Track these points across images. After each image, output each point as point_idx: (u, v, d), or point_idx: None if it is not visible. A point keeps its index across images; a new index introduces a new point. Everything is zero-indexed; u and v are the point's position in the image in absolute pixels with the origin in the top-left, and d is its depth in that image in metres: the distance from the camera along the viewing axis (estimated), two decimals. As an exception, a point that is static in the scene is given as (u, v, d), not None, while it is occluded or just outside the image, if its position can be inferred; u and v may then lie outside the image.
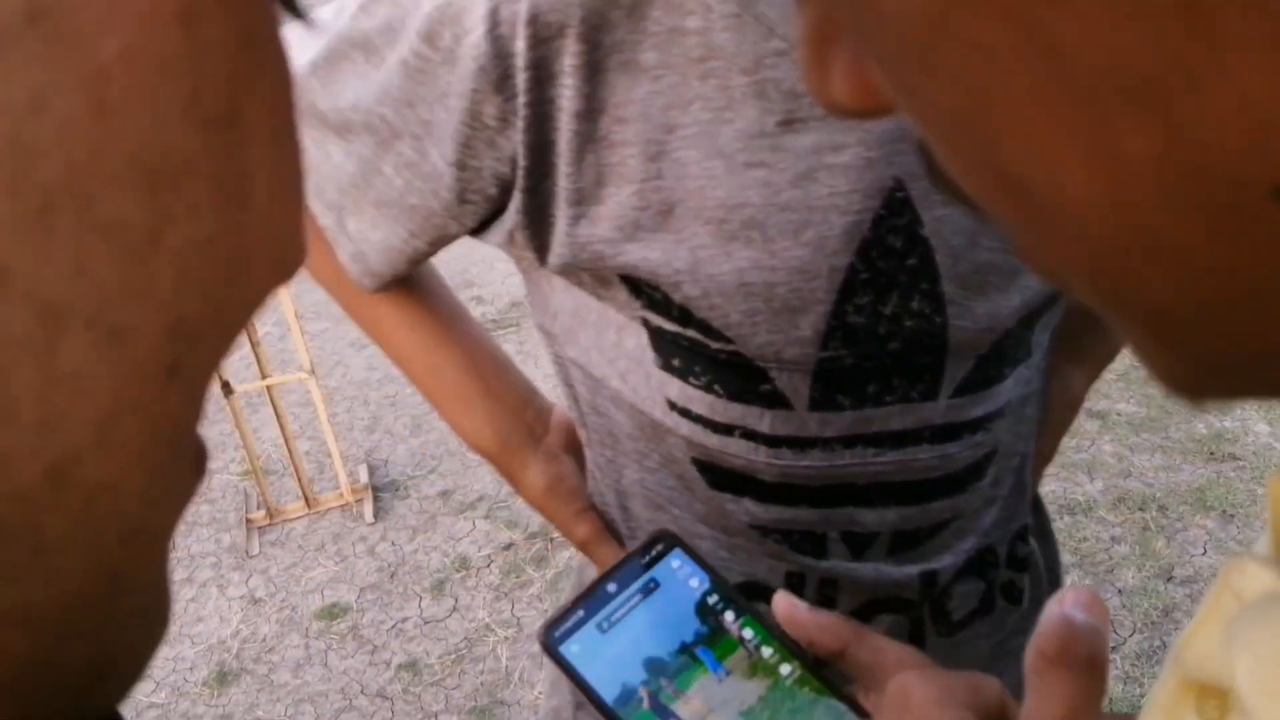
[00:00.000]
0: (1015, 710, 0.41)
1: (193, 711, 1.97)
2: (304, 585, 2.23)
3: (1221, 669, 0.22)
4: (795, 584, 0.66)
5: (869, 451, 0.61)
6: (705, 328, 0.58)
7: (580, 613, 0.49)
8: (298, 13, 0.20)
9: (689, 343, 0.59)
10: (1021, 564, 0.72)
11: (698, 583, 0.51)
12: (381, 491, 2.46)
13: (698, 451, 0.63)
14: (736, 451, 0.61)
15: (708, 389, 0.60)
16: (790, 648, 0.49)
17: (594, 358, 0.64)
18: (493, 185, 0.59)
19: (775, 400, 0.59)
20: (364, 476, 2.47)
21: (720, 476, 0.64)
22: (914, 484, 0.63)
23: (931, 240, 0.56)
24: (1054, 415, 0.73)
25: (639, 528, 0.70)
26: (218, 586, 2.24)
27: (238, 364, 2.76)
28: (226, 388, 2.15)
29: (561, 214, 0.58)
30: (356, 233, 0.65)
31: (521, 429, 0.72)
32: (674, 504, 0.66)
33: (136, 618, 0.19)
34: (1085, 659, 0.36)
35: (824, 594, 0.66)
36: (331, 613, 2.16)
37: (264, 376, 2.20)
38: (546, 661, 0.51)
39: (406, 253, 0.64)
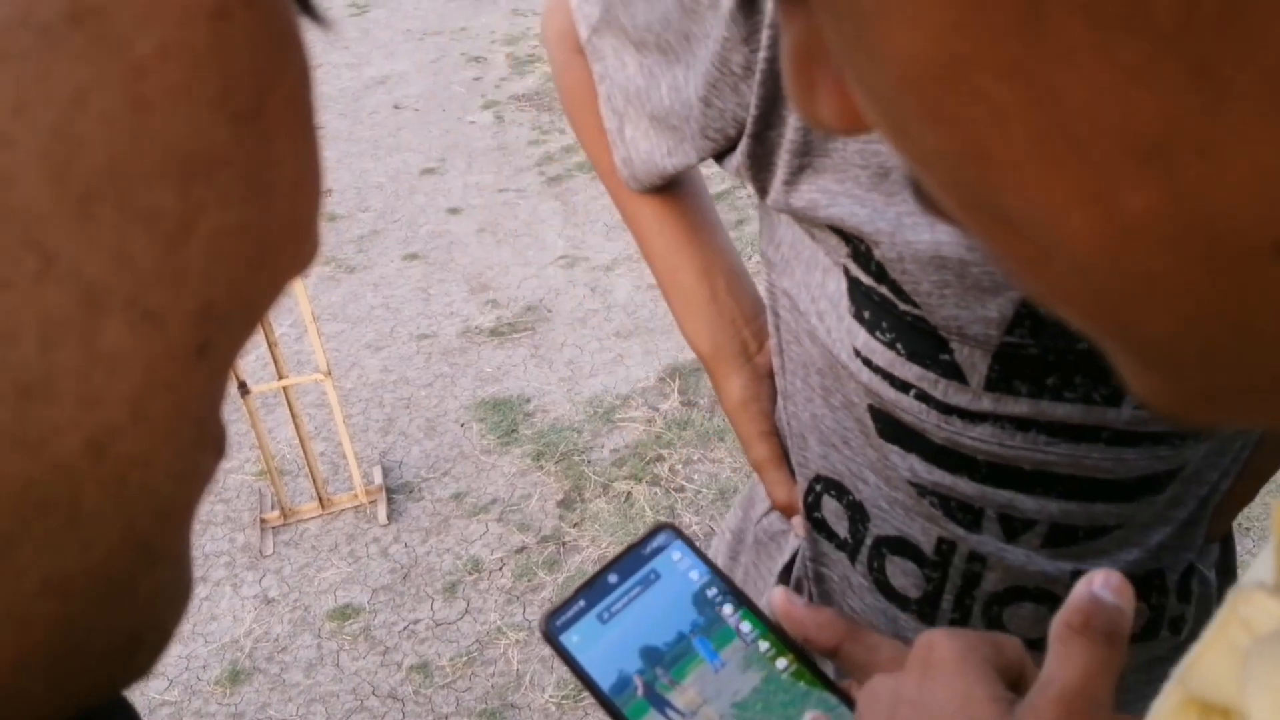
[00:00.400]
0: (1034, 672, 0.42)
1: (205, 710, 1.98)
2: (317, 585, 2.24)
3: (1229, 694, 0.22)
4: (945, 550, 0.67)
5: (1040, 438, 0.60)
6: (896, 289, 0.59)
7: (581, 602, 0.50)
8: (313, 14, 0.20)
9: (880, 298, 0.61)
10: (1192, 597, 0.70)
11: (697, 575, 0.51)
12: (395, 493, 2.46)
13: (874, 400, 0.65)
14: (909, 409, 0.62)
15: (890, 346, 0.62)
16: (787, 642, 0.49)
17: (801, 292, 0.67)
18: (732, 126, 0.63)
19: (951, 371, 0.60)
20: (378, 478, 2.48)
21: (890, 428, 0.65)
22: (1081, 480, 0.62)
23: None
24: (1260, 459, 0.69)
25: (811, 460, 0.73)
26: (231, 585, 2.25)
27: (254, 364, 2.77)
28: (243, 388, 2.16)
29: (783, 163, 0.61)
30: (630, 139, 0.72)
31: (736, 341, 0.78)
32: (847, 444, 0.69)
33: (165, 590, 0.20)
34: (1106, 632, 0.39)
35: (971, 568, 0.66)
36: (344, 613, 2.16)
37: (280, 377, 2.21)
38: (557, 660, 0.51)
39: (663, 167, 0.72)
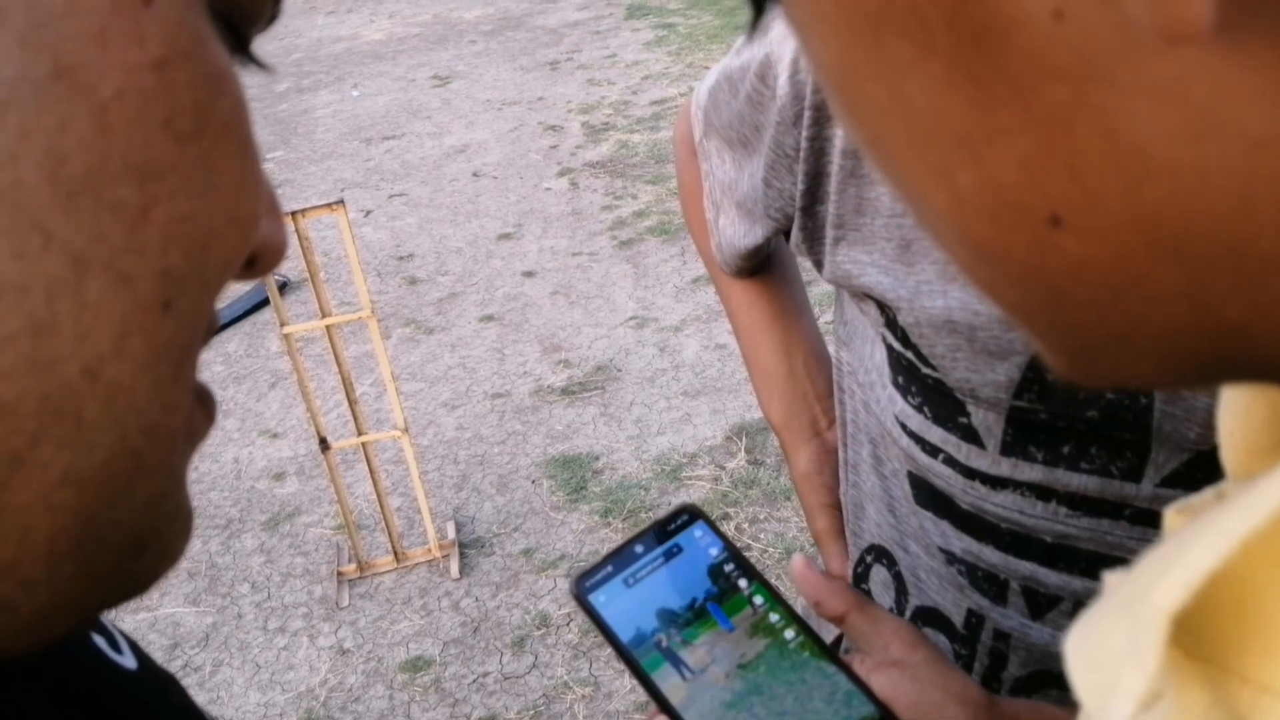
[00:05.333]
0: None
1: (281, 757, 2.04)
2: (390, 637, 2.29)
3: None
4: (974, 624, 0.69)
5: (1061, 510, 0.61)
6: (918, 353, 0.63)
7: (609, 568, 0.54)
8: (249, 57, 0.28)
9: (907, 363, 0.65)
10: None
11: (716, 551, 0.55)
12: (467, 548, 2.52)
13: (912, 465, 0.68)
14: (940, 474, 0.66)
15: (919, 410, 0.65)
16: (796, 617, 0.52)
17: (859, 363, 0.72)
18: (790, 205, 0.69)
19: (970, 435, 0.63)
20: (451, 533, 2.55)
21: (925, 494, 0.69)
22: (1106, 558, 0.61)
23: None
24: None
25: (867, 529, 0.76)
26: (308, 636, 2.32)
27: (335, 421, 2.88)
28: (324, 444, 2.25)
29: (828, 235, 0.66)
30: (723, 227, 0.80)
31: (807, 416, 0.84)
32: (893, 512, 0.73)
33: (159, 502, 0.26)
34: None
35: (996, 648, 0.68)
36: (415, 665, 2.22)
37: (360, 434, 2.30)
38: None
39: (740, 248, 0.78)
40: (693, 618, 0.52)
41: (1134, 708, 0.20)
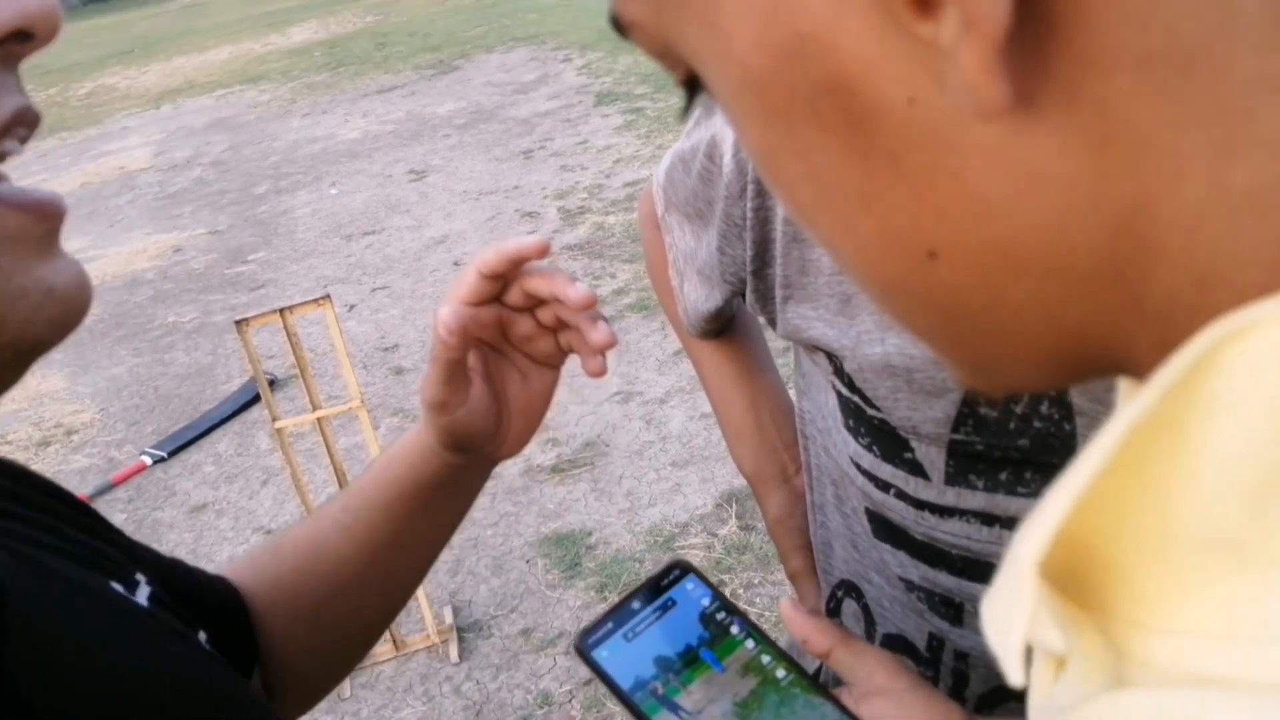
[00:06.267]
0: None
1: None
2: (393, 726, 2.29)
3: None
4: (935, 647, 0.73)
5: (1005, 534, 0.65)
6: (863, 396, 0.69)
7: (610, 624, 0.58)
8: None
9: (855, 406, 0.70)
10: None
11: (708, 602, 0.59)
12: (465, 631, 2.53)
13: (869, 502, 0.73)
14: (893, 508, 0.71)
15: (869, 449, 0.71)
16: (785, 657, 0.56)
17: (816, 412, 0.78)
18: (742, 269, 0.75)
19: (916, 469, 0.68)
20: (449, 617, 2.55)
21: (882, 528, 0.74)
22: None
23: None
24: None
25: (835, 566, 0.81)
26: (311, 730, 2.31)
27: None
28: (318, 535, 2.28)
29: (778, 294, 0.73)
30: (687, 293, 0.87)
31: (776, 464, 0.90)
32: (855, 548, 0.78)
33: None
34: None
35: (958, 666, 0.73)
36: (420, 753, 2.21)
37: (353, 523, 2.32)
38: None
39: (704, 311, 0.85)
40: (688, 664, 0.56)
41: (1018, 656, 0.24)
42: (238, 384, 4.04)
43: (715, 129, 0.73)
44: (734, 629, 0.58)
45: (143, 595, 0.52)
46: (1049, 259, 0.23)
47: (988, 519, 0.66)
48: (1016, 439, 0.63)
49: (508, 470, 3.13)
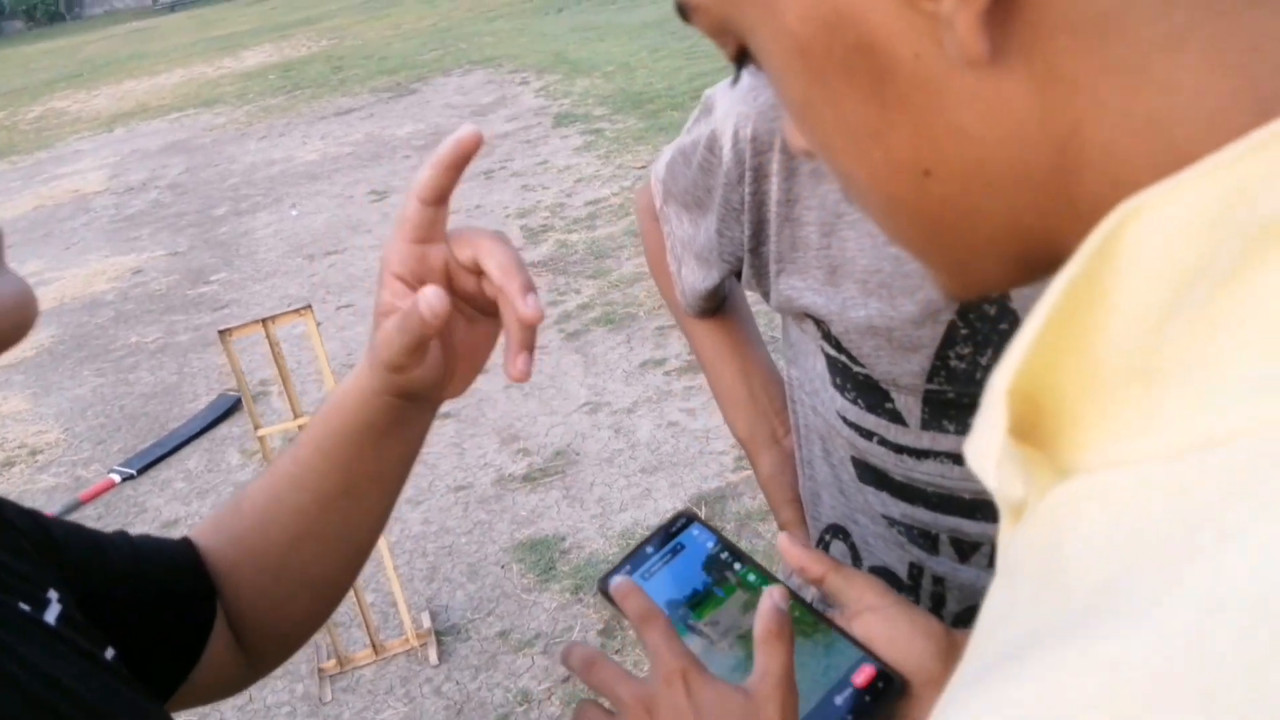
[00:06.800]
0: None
1: None
2: (375, 728, 2.33)
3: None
4: (915, 574, 0.82)
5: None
6: (849, 355, 0.78)
7: (627, 566, 0.66)
8: None
9: (842, 365, 0.80)
10: None
11: (712, 545, 0.67)
12: (444, 635, 2.58)
13: (854, 451, 0.83)
14: (876, 454, 0.80)
15: (854, 402, 0.80)
16: (784, 588, 0.64)
17: (804, 376, 0.87)
18: (740, 249, 0.84)
19: (896, 417, 0.77)
20: (427, 622, 2.60)
21: (866, 473, 0.83)
22: None
23: (1019, 312, 0.71)
24: None
25: (824, 513, 0.90)
26: (294, 734, 2.34)
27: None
28: (300, 541, 2.32)
29: (772, 269, 0.81)
30: (685, 276, 0.95)
31: (767, 428, 1.00)
32: (843, 494, 0.87)
33: None
34: (788, 632, 0.57)
35: (936, 590, 0.82)
36: (403, 752, 2.25)
37: (334, 529, 2.37)
38: None
39: (701, 290, 0.94)
40: (700, 599, 0.65)
41: (995, 464, 0.31)
42: (205, 402, 4.05)
43: (715, 124, 0.82)
44: (737, 566, 0.66)
45: (52, 614, 0.53)
46: (1011, 173, 0.31)
47: (959, 459, 0.76)
48: (983, 386, 0.73)
49: (480, 480, 3.20)
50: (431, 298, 0.54)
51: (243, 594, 0.68)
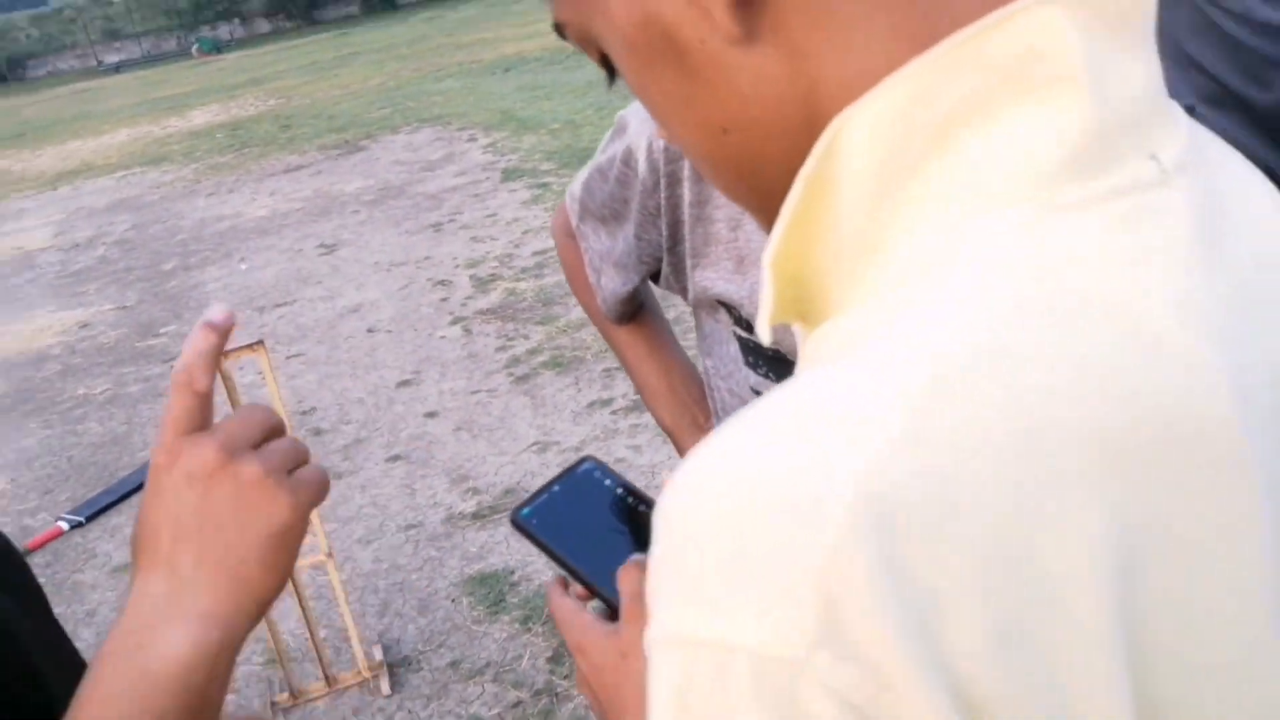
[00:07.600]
0: None
1: None
2: (328, 758, 2.37)
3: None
4: None
5: None
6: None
7: (538, 502, 0.72)
8: None
9: (754, 345, 0.91)
10: None
11: (611, 484, 0.73)
12: (396, 666, 2.63)
13: None
14: None
15: (765, 376, 0.91)
16: None
17: (719, 364, 0.98)
18: (658, 249, 0.95)
19: None
20: (379, 654, 2.65)
21: None
22: None
23: None
24: None
25: None
26: (246, 766, 2.37)
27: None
28: (253, 573, 2.37)
29: (688, 264, 0.92)
30: (604, 284, 1.06)
31: (688, 417, 1.11)
32: None
33: None
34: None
35: None
36: (355, 779, 2.29)
37: (287, 562, 2.42)
38: None
39: (621, 295, 1.05)
40: (604, 536, 0.72)
41: (768, 330, 0.41)
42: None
43: (629, 140, 0.94)
44: (640, 508, 0.75)
45: None
46: (779, 125, 0.41)
47: None
48: None
49: (430, 519, 3.26)
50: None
51: None
